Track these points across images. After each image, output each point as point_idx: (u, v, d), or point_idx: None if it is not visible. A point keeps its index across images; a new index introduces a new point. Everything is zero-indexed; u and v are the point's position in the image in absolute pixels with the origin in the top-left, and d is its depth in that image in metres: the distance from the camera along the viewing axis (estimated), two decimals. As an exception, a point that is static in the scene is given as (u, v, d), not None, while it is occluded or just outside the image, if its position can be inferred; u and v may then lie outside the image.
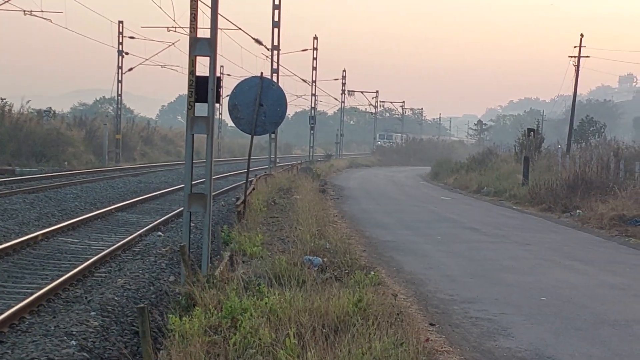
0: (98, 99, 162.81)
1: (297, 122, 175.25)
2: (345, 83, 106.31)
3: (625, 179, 34.91)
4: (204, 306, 11.14)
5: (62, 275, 16.30)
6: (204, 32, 14.77)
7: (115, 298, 14.45)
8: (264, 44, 48.19)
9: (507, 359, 10.94)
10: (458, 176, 58.49)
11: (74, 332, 11.99)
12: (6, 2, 46.26)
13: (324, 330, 10.12)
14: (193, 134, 14.55)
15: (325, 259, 16.14)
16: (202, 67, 15.19)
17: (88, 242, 21.61)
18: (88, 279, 16.75)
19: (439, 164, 74.81)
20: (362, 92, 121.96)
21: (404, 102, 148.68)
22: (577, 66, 61.24)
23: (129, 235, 22.58)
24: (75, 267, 17.27)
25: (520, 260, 20.05)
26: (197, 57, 14.59)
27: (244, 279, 12.92)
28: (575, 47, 61.55)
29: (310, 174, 48.10)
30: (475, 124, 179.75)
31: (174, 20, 68.32)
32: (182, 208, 15.77)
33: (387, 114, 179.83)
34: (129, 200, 32.52)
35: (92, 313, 13.22)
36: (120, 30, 64.66)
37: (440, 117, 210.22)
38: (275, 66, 48.71)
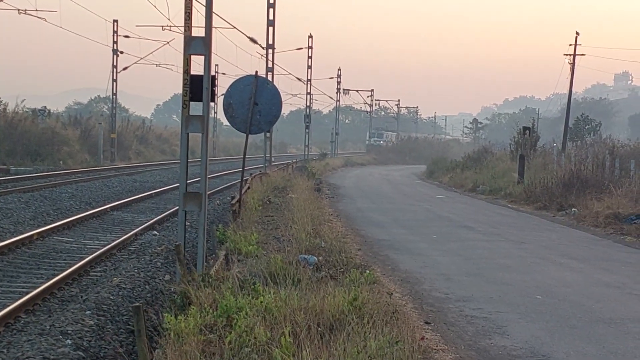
0: (93, 98, 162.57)
1: (292, 121, 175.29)
2: (340, 82, 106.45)
3: (621, 177, 34.95)
4: (199, 305, 11.13)
5: (57, 275, 16.29)
6: (198, 31, 14.80)
7: (111, 297, 14.44)
8: (259, 43, 48.17)
9: (503, 357, 10.94)
10: (453, 175, 58.49)
11: (69, 331, 11.99)
12: (0, 0, 46.23)
13: (319, 329, 10.12)
14: (188, 133, 14.55)
15: (320, 258, 16.15)
16: (197, 65, 15.20)
17: (83, 241, 21.59)
18: (83, 278, 16.75)
19: (434, 162, 74.82)
20: (357, 91, 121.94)
21: (399, 100, 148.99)
22: (573, 64, 61.26)
23: (125, 234, 22.57)
24: (70, 266, 17.27)
25: (516, 259, 20.06)
26: (192, 56, 14.58)
27: (239, 277, 12.92)
28: (570, 45, 61.58)
29: (306, 173, 48.09)
30: (470, 123, 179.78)
31: (169, 19, 68.50)
32: (178, 207, 15.77)
33: (383, 113, 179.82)
34: (124, 199, 32.50)
35: (88, 312, 13.21)
36: (115, 29, 64.59)
37: (435, 116, 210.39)
38: (270, 65, 48.71)
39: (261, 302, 10.93)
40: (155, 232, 23.70)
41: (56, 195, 32.13)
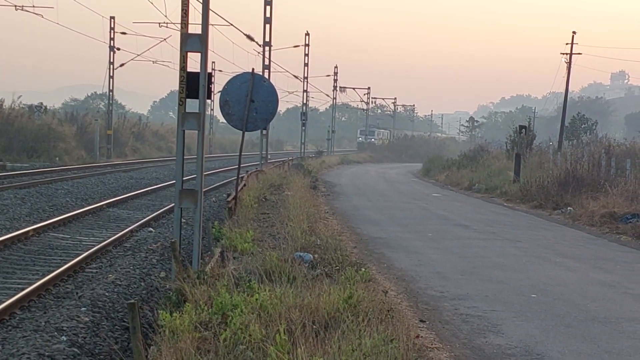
0: (89, 94, 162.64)
1: (289, 119, 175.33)
2: (337, 79, 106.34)
3: (617, 176, 34.99)
4: (194, 302, 11.14)
5: (53, 271, 16.28)
6: (195, 28, 14.76)
7: (106, 294, 14.43)
8: (256, 40, 48.15)
9: (497, 355, 10.95)
10: (449, 173, 58.52)
11: (64, 328, 11.98)
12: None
13: (314, 327, 10.13)
14: (184, 130, 14.54)
15: (316, 256, 16.17)
16: (194, 63, 15.19)
17: (79, 238, 21.58)
18: (79, 275, 16.74)
19: (430, 160, 74.92)
20: (354, 89, 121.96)
21: (395, 98, 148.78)
22: (569, 63, 61.35)
23: (120, 231, 22.55)
24: (66, 263, 17.25)
25: (511, 258, 20.07)
26: (189, 53, 14.57)
27: (234, 275, 12.93)
28: (567, 44, 61.72)
29: (302, 171, 48.07)
30: (467, 121, 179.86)
31: (166, 16, 68.34)
32: (173, 204, 15.76)
33: (379, 111, 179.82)
34: (120, 196, 32.47)
35: (83, 309, 13.20)
36: (112, 26, 64.55)
37: (432, 114, 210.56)
38: (266, 62, 48.69)
39: (256, 299, 10.93)
40: (151, 229, 23.69)
41: (52, 191, 32.10)
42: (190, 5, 14.57)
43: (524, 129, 51.58)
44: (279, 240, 17.89)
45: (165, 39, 61.61)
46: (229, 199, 24.52)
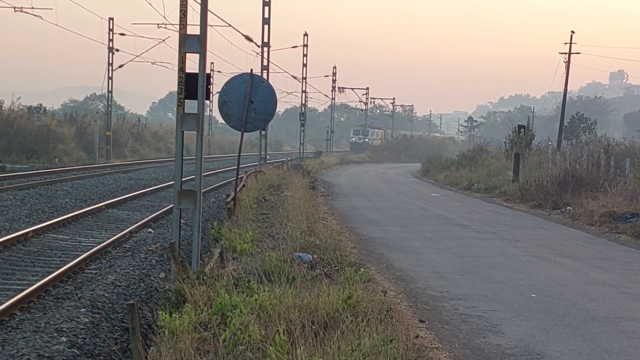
0: (88, 95, 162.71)
1: (288, 119, 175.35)
2: (335, 80, 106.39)
3: (616, 175, 35.00)
4: (193, 303, 11.14)
5: (52, 272, 16.28)
6: (194, 29, 14.77)
7: (106, 294, 14.42)
8: (254, 41, 48.11)
9: (497, 355, 10.95)
10: (448, 173, 58.54)
11: (64, 329, 11.97)
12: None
13: (314, 327, 10.12)
14: (183, 131, 14.54)
15: (315, 256, 16.16)
16: (192, 63, 15.19)
17: (78, 239, 21.58)
18: (78, 276, 16.74)
19: (429, 160, 74.93)
20: (352, 89, 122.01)
21: (394, 98, 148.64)
22: (568, 63, 61.29)
23: (120, 232, 22.55)
24: (65, 264, 17.25)
25: (510, 257, 20.06)
26: (187, 54, 14.57)
27: (233, 275, 12.93)
28: (565, 43, 61.63)
29: (301, 171, 48.08)
30: (465, 121, 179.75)
31: (164, 17, 68.47)
32: (173, 205, 15.76)
33: (378, 111, 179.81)
34: (119, 196, 32.47)
35: (83, 310, 13.19)
36: (111, 27, 64.61)
37: (430, 114, 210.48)
38: (265, 63, 48.66)
39: (256, 300, 10.93)
40: (150, 230, 23.69)
41: (51, 192, 32.10)
42: (188, 6, 14.57)
43: (522, 129, 51.59)
44: (278, 241, 17.89)
45: (164, 40, 61.81)
46: (228, 199, 24.52)
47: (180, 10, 14.35)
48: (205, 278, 12.54)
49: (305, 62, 75.26)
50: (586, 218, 28.97)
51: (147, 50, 65.56)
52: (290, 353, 8.96)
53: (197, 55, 14.39)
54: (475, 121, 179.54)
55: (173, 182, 16.55)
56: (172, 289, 12.69)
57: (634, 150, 41.85)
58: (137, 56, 66.05)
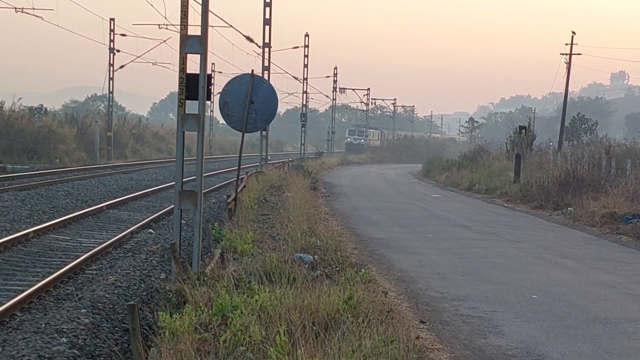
0: (89, 96, 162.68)
1: (289, 120, 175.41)
2: (336, 80, 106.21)
3: (617, 176, 35.01)
4: (194, 303, 11.13)
5: (53, 273, 16.27)
6: (194, 30, 14.76)
7: (106, 295, 14.42)
8: (255, 42, 48.12)
9: (498, 356, 10.95)
10: (449, 174, 58.53)
11: (64, 330, 11.97)
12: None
13: (314, 328, 10.11)
14: (184, 131, 14.54)
15: (316, 257, 16.15)
16: (193, 64, 15.19)
17: (79, 240, 21.58)
18: (79, 276, 16.73)
19: (430, 161, 74.90)
20: (353, 90, 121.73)
21: (395, 99, 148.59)
22: (569, 64, 61.32)
23: (120, 233, 22.55)
24: (66, 265, 17.25)
25: (511, 258, 20.06)
26: (188, 55, 14.57)
27: (234, 276, 12.91)
28: (566, 44, 61.68)
29: (302, 172, 48.07)
30: (466, 122, 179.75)
31: (165, 18, 68.48)
32: (173, 205, 15.75)
33: (379, 112, 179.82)
34: (120, 197, 32.47)
35: (83, 310, 13.19)
36: (112, 28, 64.56)
37: (431, 115, 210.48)
38: (266, 63, 48.66)
39: (256, 300, 10.93)
40: (151, 231, 23.69)
41: (52, 193, 32.10)
42: (189, 6, 14.57)
43: (523, 130, 51.59)
44: (279, 242, 17.88)
45: (164, 41, 61.68)
46: (229, 200, 24.51)
47: (181, 11, 14.35)
48: (205, 279, 12.53)
49: (306, 63, 75.28)
50: (587, 219, 28.97)
51: (148, 51, 65.54)
52: (291, 354, 8.95)
53: (198, 55, 14.39)
54: (476, 122, 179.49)
55: (174, 183, 16.54)
56: (172, 289, 12.68)
57: (635, 151, 41.88)
58: (138, 57, 66.06)
